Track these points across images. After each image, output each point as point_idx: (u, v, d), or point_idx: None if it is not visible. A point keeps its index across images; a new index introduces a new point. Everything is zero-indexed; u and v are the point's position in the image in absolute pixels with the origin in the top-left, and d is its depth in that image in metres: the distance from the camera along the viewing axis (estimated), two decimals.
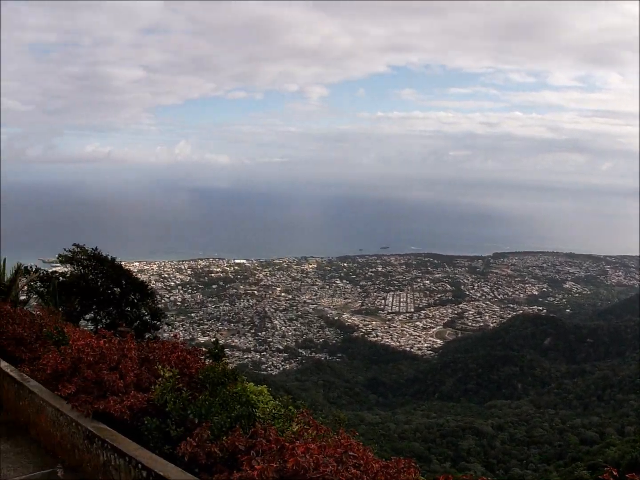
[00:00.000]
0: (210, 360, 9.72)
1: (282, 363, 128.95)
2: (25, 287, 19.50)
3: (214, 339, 13.45)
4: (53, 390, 9.43)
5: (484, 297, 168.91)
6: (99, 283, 21.84)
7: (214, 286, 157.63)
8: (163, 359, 9.16)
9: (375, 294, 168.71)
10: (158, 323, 23.67)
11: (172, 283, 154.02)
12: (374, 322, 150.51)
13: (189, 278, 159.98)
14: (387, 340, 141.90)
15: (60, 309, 16.24)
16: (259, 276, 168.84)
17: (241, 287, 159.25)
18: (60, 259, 22.48)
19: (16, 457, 9.51)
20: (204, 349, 10.60)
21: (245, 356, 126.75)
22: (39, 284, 19.83)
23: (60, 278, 19.73)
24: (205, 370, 8.75)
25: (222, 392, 7.97)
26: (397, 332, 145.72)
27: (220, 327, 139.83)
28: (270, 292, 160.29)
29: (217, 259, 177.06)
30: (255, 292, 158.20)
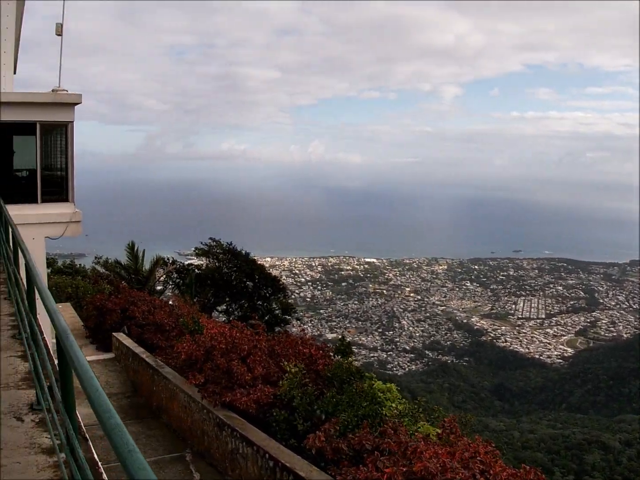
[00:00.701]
0: (338, 357, 9.74)
1: (408, 364, 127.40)
2: (162, 278, 20.88)
3: (341, 336, 13.37)
4: (185, 378, 9.89)
5: (618, 306, 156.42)
6: (232, 276, 22.76)
7: (343, 284, 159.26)
8: (290, 353, 9.35)
9: (505, 298, 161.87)
10: (288, 318, 24.23)
11: (303, 279, 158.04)
12: (503, 327, 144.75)
13: (319, 275, 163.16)
14: (515, 346, 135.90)
15: (195, 300, 17.12)
16: (388, 275, 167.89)
17: (370, 285, 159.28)
18: (196, 252, 23.84)
19: (147, 440, 10.04)
20: (330, 345, 10.59)
21: (372, 355, 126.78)
22: (175, 275, 21.16)
23: (196, 270, 20.92)
24: (332, 368, 8.91)
25: (349, 389, 8.05)
26: (526, 339, 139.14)
27: (348, 325, 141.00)
28: (399, 292, 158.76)
29: (347, 257, 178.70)
30: (384, 291, 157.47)
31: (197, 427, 8.68)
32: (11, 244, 7.76)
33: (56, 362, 3.84)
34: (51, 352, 4.29)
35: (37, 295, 4.89)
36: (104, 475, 2.57)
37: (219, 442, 8.10)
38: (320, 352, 9.67)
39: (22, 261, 6.61)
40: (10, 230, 7.66)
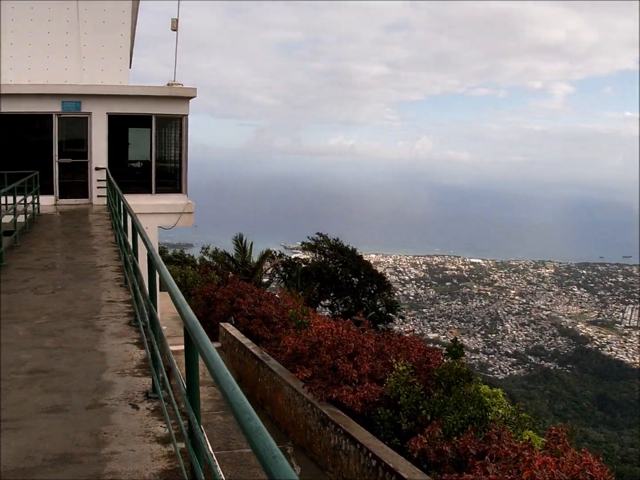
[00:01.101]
0: (449, 358, 9.52)
1: (510, 368, 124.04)
2: (269, 271, 21.18)
3: (453, 338, 13.11)
4: (291, 371, 9.80)
5: None
6: (338, 272, 22.73)
7: (447, 283, 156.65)
8: (396, 351, 9.28)
9: (613, 305, 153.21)
10: (392, 315, 23.84)
11: (406, 277, 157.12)
12: (609, 335, 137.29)
13: (423, 273, 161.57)
14: (621, 355, 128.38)
15: (300, 294, 17.16)
16: (493, 277, 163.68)
17: (475, 286, 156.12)
18: (303, 246, 24.11)
19: None
20: (438, 346, 10.33)
21: (473, 357, 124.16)
22: (281, 268, 21.42)
23: (302, 264, 21.05)
24: (442, 368, 8.69)
25: (457, 391, 7.94)
26: (632, 348, 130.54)
27: (450, 325, 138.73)
28: (504, 294, 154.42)
29: (452, 257, 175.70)
30: (489, 292, 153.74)
31: (300, 421, 8.74)
32: (129, 233, 7.82)
33: (170, 349, 3.89)
34: (166, 341, 4.08)
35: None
36: (219, 468, 2.13)
37: (321, 437, 8.14)
38: (431, 352, 9.47)
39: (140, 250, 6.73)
40: (129, 219, 7.76)
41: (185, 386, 2.91)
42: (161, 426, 3.96)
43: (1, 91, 14.82)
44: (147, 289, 5.47)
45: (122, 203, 9.55)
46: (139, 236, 6.27)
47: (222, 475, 2.16)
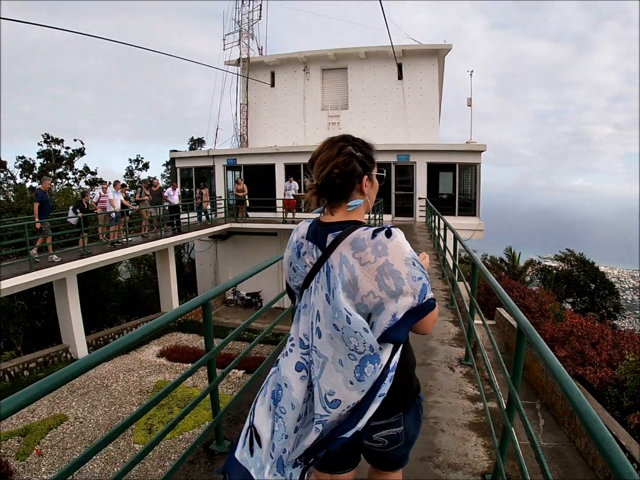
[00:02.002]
0: None
1: None
2: (530, 274, 26.20)
3: None
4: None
5: None
6: (580, 278, 26.58)
7: None
8: (627, 344, 10.31)
9: None
10: (617, 315, 27.13)
11: (626, 286, 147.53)
12: None
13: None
14: None
15: (552, 292, 21.54)
16: None
17: None
18: (556, 257, 28.22)
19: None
20: None
21: None
22: (539, 273, 26.25)
23: (554, 271, 25.59)
24: None
25: None
26: None
27: None
28: None
29: None
30: None
31: (548, 387, 9.34)
32: (443, 241, 9.98)
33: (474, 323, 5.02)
34: (472, 323, 5.06)
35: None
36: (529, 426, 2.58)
37: (563, 400, 8.52)
38: None
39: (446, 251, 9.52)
40: (448, 231, 9.35)
41: (487, 358, 4.02)
42: (470, 387, 4.67)
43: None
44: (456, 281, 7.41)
45: (437, 219, 12.41)
46: (455, 242, 8.13)
47: (532, 428, 2.31)
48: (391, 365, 1.68)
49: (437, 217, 12.94)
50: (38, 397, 1.75)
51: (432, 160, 20.87)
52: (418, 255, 1.80)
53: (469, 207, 20.91)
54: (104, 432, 11.12)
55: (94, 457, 9.33)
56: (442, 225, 10.81)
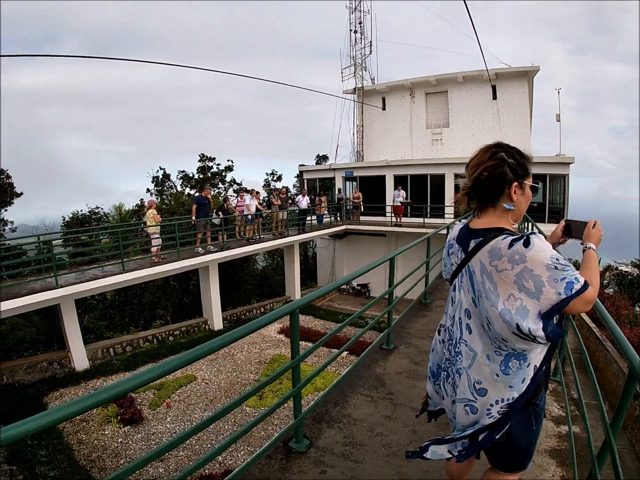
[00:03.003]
0: None
1: None
2: (607, 278, 26.36)
3: None
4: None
5: None
6: None
7: None
8: None
9: None
10: None
11: None
12: None
13: None
14: None
15: (626, 296, 19.43)
16: None
17: None
18: (632, 263, 27.84)
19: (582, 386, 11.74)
20: None
21: None
22: (615, 278, 26.12)
23: (629, 276, 24.74)
24: None
25: None
26: None
27: None
28: None
29: None
30: None
31: (618, 391, 8.04)
32: None
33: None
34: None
35: None
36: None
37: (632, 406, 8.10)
38: None
39: None
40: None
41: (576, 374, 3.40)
42: (556, 407, 4.29)
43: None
44: None
45: (530, 226, 12.39)
46: None
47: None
48: (539, 365, 1.81)
49: (530, 224, 13.29)
50: (188, 363, 2.15)
51: None
52: (586, 223, 1.99)
53: (557, 215, 21.44)
54: (223, 393, 12.89)
55: (211, 414, 12.63)
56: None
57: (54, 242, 13.99)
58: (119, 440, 10.63)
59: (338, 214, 25.00)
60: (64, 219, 23.15)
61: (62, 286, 12.33)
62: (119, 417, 11.52)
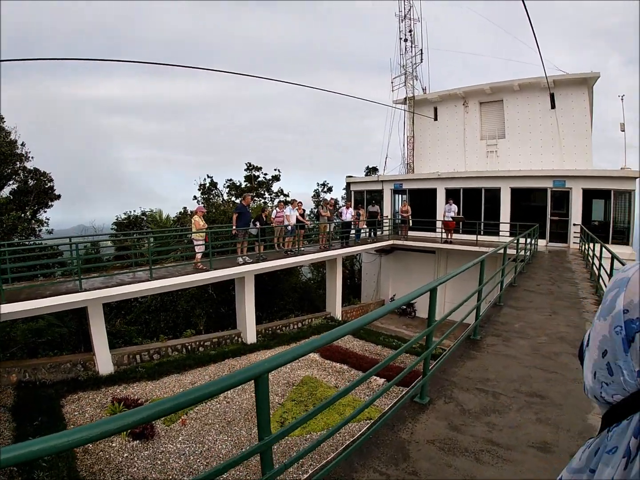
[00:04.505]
0: None
1: None
2: None
3: None
4: None
5: None
6: None
7: None
8: None
9: None
10: None
11: None
12: None
13: None
14: None
15: None
16: None
17: None
18: None
19: None
20: None
21: None
22: None
23: None
24: None
25: None
26: None
27: None
28: None
29: None
30: None
31: None
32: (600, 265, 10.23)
33: None
34: None
35: None
36: None
37: None
38: None
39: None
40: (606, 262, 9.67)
41: None
42: None
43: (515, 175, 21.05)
44: None
45: (595, 247, 12.13)
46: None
47: None
48: None
49: (595, 245, 12.71)
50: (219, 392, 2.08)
51: (588, 186, 20.05)
52: None
53: (622, 235, 19.75)
54: (243, 415, 11.92)
55: (226, 438, 10.65)
56: (601, 254, 10.78)
57: (89, 244, 13.57)
58: (125, 455, 9.99)
59: (371, 231, 24.12)
60: (117, 219, 23.82)
61: (85, 290, 12.13)
62: (129, 430, 10.85)
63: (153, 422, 11.26)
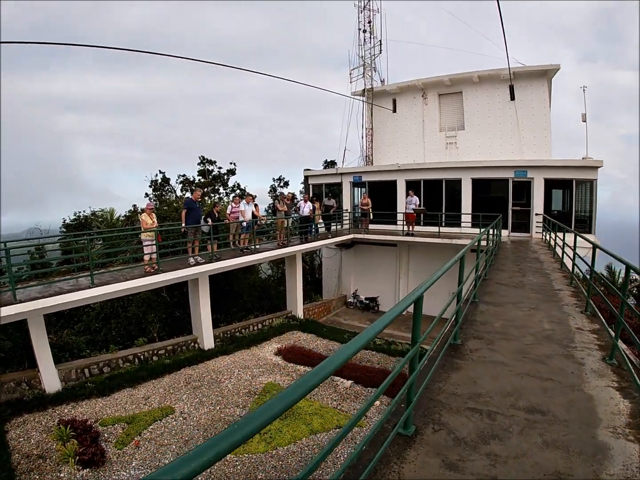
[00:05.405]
0: None
1: None
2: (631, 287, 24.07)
3: None
4: None
5: None
6: None
7: None
8: None
9: None
10: None
11: None
12: None
13: None
14: None
15: None
16: None
17: None
18: None
19: None
20: None
21: None
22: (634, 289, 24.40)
23: None
24: None
25: None
26: None
27: None
28: None
29: None
30: None
31: None
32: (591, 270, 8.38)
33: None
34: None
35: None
36: None
37: None
38: None
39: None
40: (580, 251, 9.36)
41: None
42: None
43: (477, 165, 20.80)
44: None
45: (564, 237, 12.01)
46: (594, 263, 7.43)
47: None
48: None
49: (565, 235, 12.65)
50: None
51: (550, 176, 20.00)
52: None
53: (584, 224, 19.76)
54: (202, 433, 10.74)
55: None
56: (575, 244, 10.46)
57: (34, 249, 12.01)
58: None
59: (328, 225, 23.27)
60: (64, 221, 21.74)
61: (20, 301, 10.77)
62: (78, 457, 9.63)
63: (103, 446, 10.18)
